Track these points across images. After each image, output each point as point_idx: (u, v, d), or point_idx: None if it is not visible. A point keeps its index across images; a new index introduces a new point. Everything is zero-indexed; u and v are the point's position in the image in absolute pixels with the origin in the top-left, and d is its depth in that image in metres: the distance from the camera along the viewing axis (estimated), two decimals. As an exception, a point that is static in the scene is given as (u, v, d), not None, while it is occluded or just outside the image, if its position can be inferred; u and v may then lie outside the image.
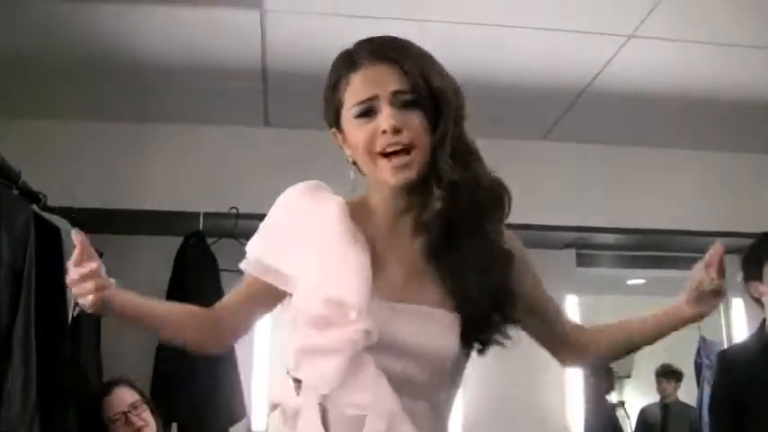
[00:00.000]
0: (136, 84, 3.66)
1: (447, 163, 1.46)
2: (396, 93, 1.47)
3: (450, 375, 1.51)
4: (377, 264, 1.48)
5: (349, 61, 1.53)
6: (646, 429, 5.40)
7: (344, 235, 1.49)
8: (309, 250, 1.49)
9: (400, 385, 1.41)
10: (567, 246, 4.33)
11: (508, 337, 1.51)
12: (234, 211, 3.67)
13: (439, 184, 1.47)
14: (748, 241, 4.18)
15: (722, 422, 2.75)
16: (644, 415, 5.52)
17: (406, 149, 1.46)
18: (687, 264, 4.86)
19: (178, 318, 1.62)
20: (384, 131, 1.46)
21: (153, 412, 3.20)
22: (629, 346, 1.79)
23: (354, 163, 1.57)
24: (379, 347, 1.40)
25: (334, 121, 1.57)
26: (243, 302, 1.63)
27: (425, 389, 1.46)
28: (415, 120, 1.47)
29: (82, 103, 3.85)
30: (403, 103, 1.47)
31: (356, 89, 1.50)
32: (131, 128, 4.03)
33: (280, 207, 1.59)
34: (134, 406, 3.15)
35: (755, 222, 4.17)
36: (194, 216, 3.69)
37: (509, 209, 1.55)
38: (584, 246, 4.36)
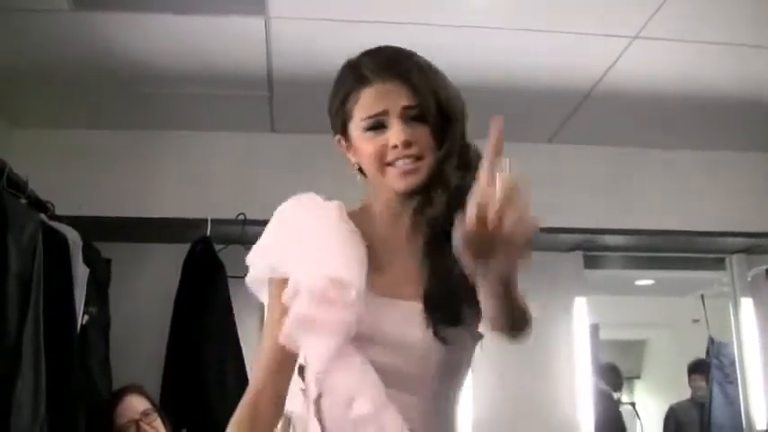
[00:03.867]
0: (142, 91, 3.66)
1: (454, 171, 1.51)
2: (406, 108, 1.51)
3: (440, 368, 1.52)
4: (371, 260, 1.54)
5: (358, 75, 1.56)
6: (678, 428, 5.28)
7: (343, 228, 1.57)
8: (311, 241, 1.54)
9: (389, 377, 1.48)
10: (575, 248, 4.32)
11: (467, 320, 1.52)
12: (241, 217, 3.67)
13: (445, 189, 1.51)
14: (757, 241, 4.21)
15: None
16: (674, 413, 5.39)
17: (416, 158, 1.51)
18: (695, 264, 4.85)
19: None
20: (395, 146, 1.50)
21: (163, 420, 3.21)
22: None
23: (359, 169, 1.62)
24: (364, 339, 1.47)
25: (341, 130, 1.61)
26: (280, 380, 1.56)
27: (415, 381, 1.51)
28: (424, 134, 1.52)
29: (88, 111, 3.86)
30: (412, 117, 1.52)
31: (367, 104, 1.54)
32: (138, 135, 4.04)
33: (276, 219, 1.63)
34: (145, 414, 3.15)
35: (764, 222, 4.17)
36: (202, 223, 3.69)
37: None
38: (592, 247, 4.34)
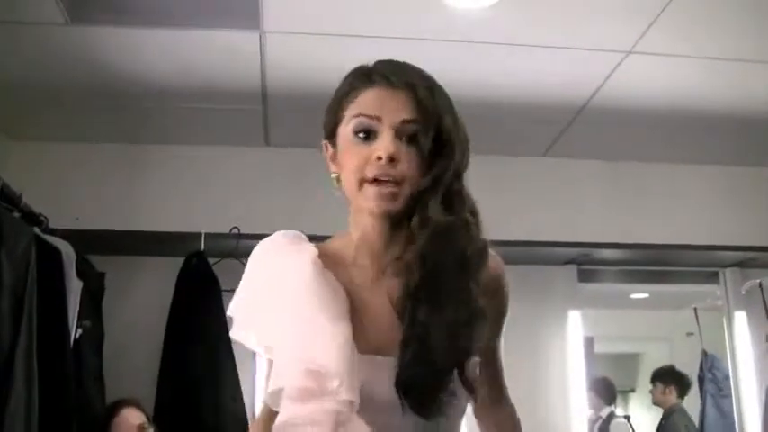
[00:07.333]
0: (137, 106, 3.67)
1: (436, 205, 1.35)
2: (404, 123, 1.37)
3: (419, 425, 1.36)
4: (357, 312, 1.38)
5: (364, 76, 1.44)
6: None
7: (320, 294, 1.37)
8: (284, 313, 1.37)
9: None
10: (569, 262, 4.33)
11: (451, 402, 1.34)
12: (235, 231, 3.67)
13: (424, 225, 1.35)
14: (750, 254, 4.22)
15: None
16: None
17: (397, 182, 1.36)
18: (690, 278, 4.85)
19: None
20: (379, 158, 1.35)
21: (158, 434, 3.21)
22: None
23: (338, 180, 1.46)
24: (363, 405, 1.30)
25: (330, 133, 1.47)
26: None
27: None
28: (413, 158, 1.36)
29: (83, 125, 3.86)
30: (407, 135, 1.37)
31: (363, 103, 1.40)
32: (133, 149, 4.04)
33: (253, 262, 1.48)
34: (141, 427, 3.15)
35: (757, 236, 4.19)
36: (196, 236, 3.69)
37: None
38: (586, 261, 4.35)
